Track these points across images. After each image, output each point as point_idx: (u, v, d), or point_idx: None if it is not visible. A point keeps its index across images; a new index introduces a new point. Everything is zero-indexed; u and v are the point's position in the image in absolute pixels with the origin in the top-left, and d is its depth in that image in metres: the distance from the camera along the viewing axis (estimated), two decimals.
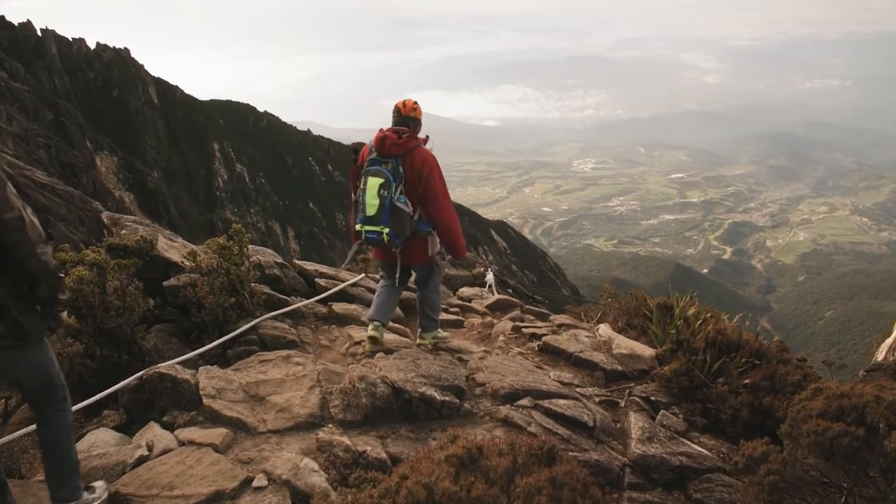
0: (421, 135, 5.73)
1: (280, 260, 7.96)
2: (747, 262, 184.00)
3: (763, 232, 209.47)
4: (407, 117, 5.66)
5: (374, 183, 5.36)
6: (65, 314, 3.15)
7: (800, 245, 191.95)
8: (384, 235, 5.40)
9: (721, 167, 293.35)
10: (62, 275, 3.06)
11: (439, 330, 6.44)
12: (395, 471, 3.13)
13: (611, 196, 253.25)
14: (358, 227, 5.51)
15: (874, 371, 8.02)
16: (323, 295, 7.49)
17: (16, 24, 65.62)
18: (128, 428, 4.79)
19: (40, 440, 3.37)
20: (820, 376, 6.22)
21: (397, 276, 5.94)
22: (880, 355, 11.56)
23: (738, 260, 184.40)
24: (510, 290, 15.95)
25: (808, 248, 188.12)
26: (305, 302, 7.21)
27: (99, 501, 3.51)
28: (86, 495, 3.48)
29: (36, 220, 2.90)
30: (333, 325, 7.02)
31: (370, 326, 5.98)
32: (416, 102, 5.78)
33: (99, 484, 3.65)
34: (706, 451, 5.03)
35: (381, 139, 5.48)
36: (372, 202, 5.36)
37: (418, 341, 6.33)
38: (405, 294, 8.47)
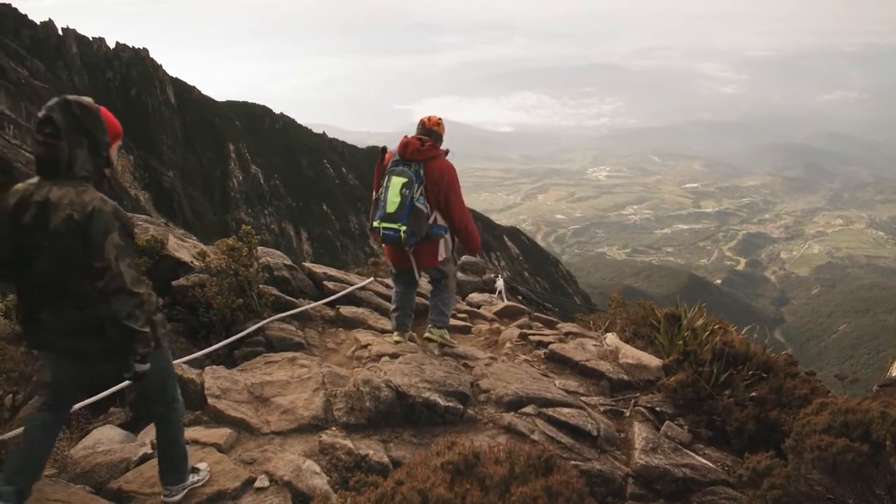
0: (442, 148, 6.08)
1: (289, 262, 7.99)
2: (761, 274, 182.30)
3: (777, 244, 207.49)
4: (430, 130, 6.04)
5: (397, 182, 5.68)
6: (146, 367, 3.32)
7: (814, 257, 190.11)
8: (401, 233, 5.64)
9: (736, 178, 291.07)
10: (142, 329, 3.20)
11: (446, 331, 6.50)
12: (391, 476, 3.14)
13: (624, 204, 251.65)
14: (375, 223, 5.79)
15: (888, 386, 7.95)
16: (331, 298, 7.51)
17: (38, 22, 66.30)
18: (133, 425, 4.82)
19: (156, 434, 3.69)
20: (828, 390, 6.17)
21: (415, 275, 6.17)
22: (895, 370, 11.46)
23: (751, 271, 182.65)
24: (520, 297, 15.92)
25: (823, 260, 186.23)
26: (313, 304, 7.23)
27: (202, 482, 3.80)
28: (191, 477, 3.78)
29: (127, 271, 3.15)
30: (340, 328, 7.04)
31: (395, 334, 6.45)
32: (440, 119, 6.18)
33: (203, 465, 3.89)
34: (710, 464, 5.01)
35: (405, 144, 5.83)
36: (393, 199, 5.64)
37: (426, 335, 6.40)
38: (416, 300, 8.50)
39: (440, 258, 6.09)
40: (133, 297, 3.18)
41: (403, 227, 5.63)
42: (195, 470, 3.84)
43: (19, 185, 3.24)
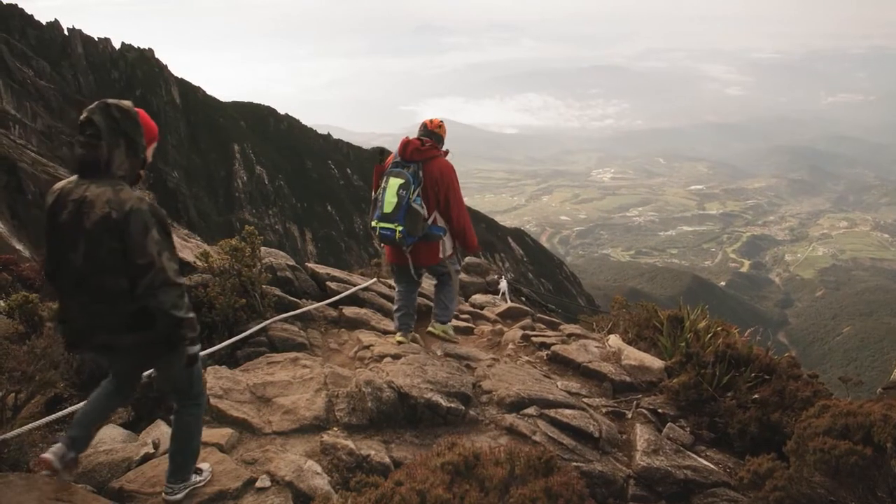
0: (443, 149, 6.25)
1: (292, 262, 8.00)
2: (765, 276, 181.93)
3: (782, 246, 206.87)
4: (431, 132, 6.19)
5: (394, 183, 5.82)
6: (197, 348, 3.50)
7: (819, 260, 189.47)
8: (397, 233, 5.78)
9: (741, 180, 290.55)
10: (188, 315, 3.38)
11: (450, 328, 6.63)
12: (390, 476, 3.13)
13: (629, 206, 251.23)
14: (373, 223, 5.92)
15: (891, 389, 7.93)
16: (334, 298, 7.52)
17: (44, 23, 66.54)
18: (135, 425, 4.83)
19: (173, 427, 3.73)
20: (832, 393, 6.16)
21: (412, 273, 6.27)
22: None
23: (756, 273, 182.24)
24: (524, 298, 15.91)
25: (828, 263, 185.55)
26: (316, 305, 7.24)
27: (204, 483, 3.83)
28: (194, 477, 3.81)
29: (169, 265, 3.28)
30: (343, 329, 7.05)
31: (398, 334, 6.45)
32: (441, 121, 6.32)
33: (205, 466, 3.94)
34: (712, 466, 5.00)
35: (405, 144, 5.97)
36: (390, 200, 5.78)
37: (429, 329, 6.56)
38: (418, 300, 8.52)
39: (441, 255, 6.22)
40: (177, 288, 3.32)
41: (400, 228, 5.77)
42: (197, 470, 3.85)
43: (59, 184, 3.36)
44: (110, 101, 3.34)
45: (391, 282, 9.06)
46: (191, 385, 3.68)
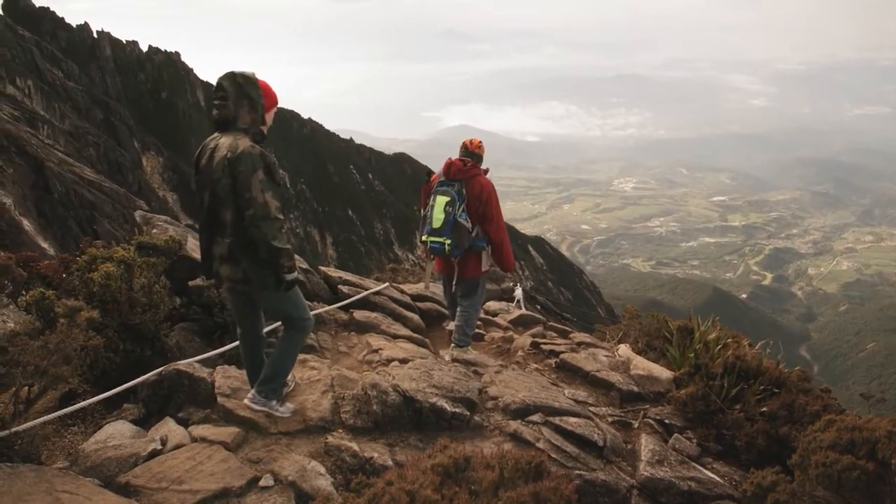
0: (483, 167, 6.82)
1: (305, 265, 8.06)
2: (787, 290, 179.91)
3: (805, 259, 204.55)
4: (472, 153, 6.80)
5: (441, 201, 6.43)
6: (294, 274, 4.20)
7: (843, 274, 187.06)
8: (446, 246, 6.38)
9: (764, 192, 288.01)
10: (285, 246, 4.06)
11: (469, 348, 6.86)
12: (382, 476, 3.17)
13: (650, 216, 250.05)
14: (424, 237, 6.57)
15: None
16: (345, 302, 7.57)
17: (74, 25, 67.55)
18: (145, 422, 4.90)
19: (277, 342, 4.57)
20: (843, 408, 6.09)
21: (454, 282, 6.80)
22: None
23: (778, 286, 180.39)
24: (538, 307, 15.89)
25: (852, 277, 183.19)
26: (327, 308, 7.30)
27: (281, 414, 4.56)
28: (275, 404, 4.58)
29: (272, 201, 3.97)
30: (353, 332, 7.10)
31: (450, 323, 7.36)
32: (480, 141, 6.95)
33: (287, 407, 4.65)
34: (717, 478, 4.97)
35: (449, 165, 6.59)
36: (438, 216, 6.40)
37: (449, 352, 6.76)
38: (428, 305, 8.57)
39: (483, 269, 6.75)
40: (277, 222, 4.02)
41: (448, 241, 6.35)
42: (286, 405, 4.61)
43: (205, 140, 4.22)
44: (236, 70, 4.13)
45: (404, 287, 9.12)
46: (294, 308, 4.38)
